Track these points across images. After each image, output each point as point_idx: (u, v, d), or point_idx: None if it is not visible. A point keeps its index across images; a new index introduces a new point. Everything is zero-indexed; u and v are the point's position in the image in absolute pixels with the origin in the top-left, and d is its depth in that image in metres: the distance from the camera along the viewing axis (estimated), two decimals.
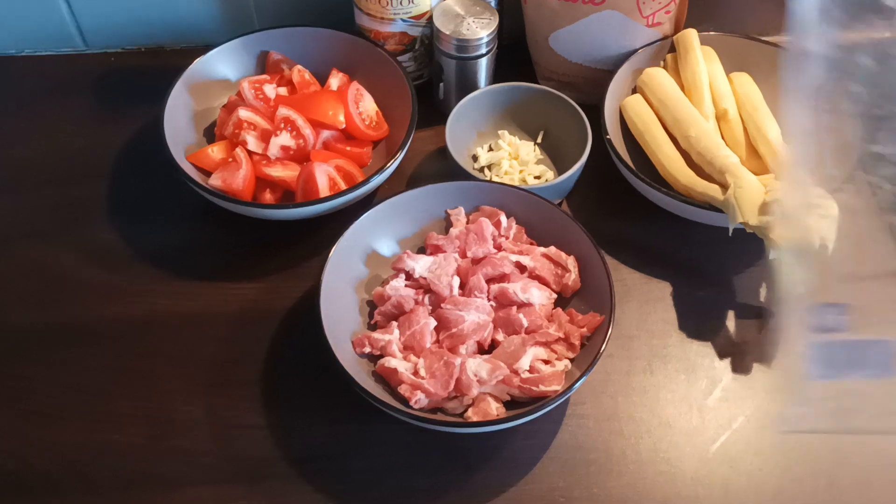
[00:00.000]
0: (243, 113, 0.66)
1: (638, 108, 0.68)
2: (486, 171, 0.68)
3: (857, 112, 0.43)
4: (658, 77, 0.68)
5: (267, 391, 0.57)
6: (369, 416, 0.55)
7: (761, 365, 0.59)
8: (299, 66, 0.70)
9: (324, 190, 0.63)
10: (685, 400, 0.58)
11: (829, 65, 0.40)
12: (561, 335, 0.56)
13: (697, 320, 0.62)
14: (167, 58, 0.79)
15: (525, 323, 0.56)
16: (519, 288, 0.57)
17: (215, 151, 0.66)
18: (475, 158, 0.69)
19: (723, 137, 0.65)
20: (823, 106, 0.41)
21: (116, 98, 0.76)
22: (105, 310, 0.61)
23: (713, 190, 0.60)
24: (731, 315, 0.62)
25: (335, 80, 0.70)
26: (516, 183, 0.66)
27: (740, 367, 0.59)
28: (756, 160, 0.64)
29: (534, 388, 0.53)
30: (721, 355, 0.60)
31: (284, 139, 0.66)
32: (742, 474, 0.54)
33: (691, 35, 0.69)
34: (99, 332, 0.60)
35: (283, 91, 0.69)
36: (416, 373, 0.55)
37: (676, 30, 0.71)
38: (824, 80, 0.40)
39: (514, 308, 0.57)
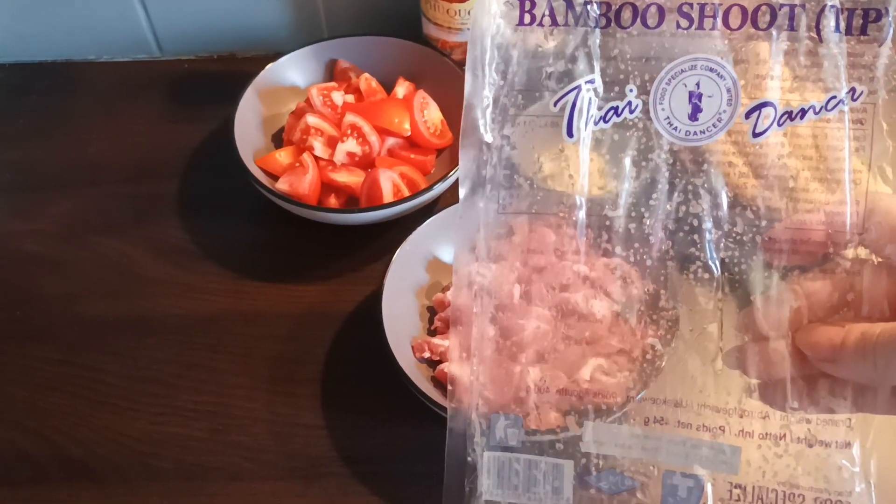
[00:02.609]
0: (311, 119, 0.67)
1: None
2: (548, 181, 0.68)
3: None
4: None
5: (326, 392, 0.58)
6: (427, 422, 0.55)
7: None
8: (367, 74, 0.72)
9: (388, 196, 0.63)
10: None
11: None
12: (623, 347, 0.55)
13: None
14: (238, 64, 0.81)
15: (586, 333, 0.56)
16: (581, 297, 0.57)
17: (283, 156, 0.67)
18: (540, 167, 0.69)
19: None
20: None
21: (189, 102, 0.78)
22: (172, 304, 0.63)
23: None
24: None
25: (401, 89, 0.71)
26: (579, 192, 0.66)
27: None
28: None
29: (595, 399, 0.53)
30: None
31: (350, 145, 0.67)
32: None
33: None
34: (166, 326, 0.62)
35: (350, 98, 0.70)
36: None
37: None
38: None
39: (576, 318, 0.57)
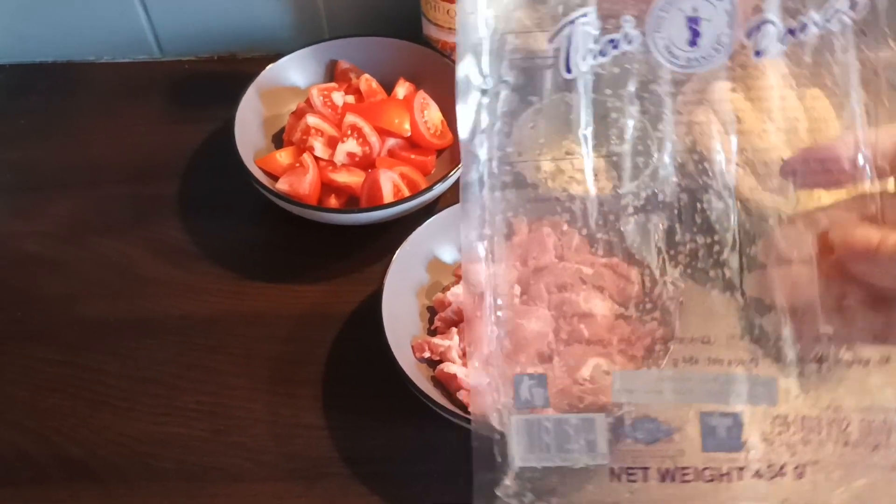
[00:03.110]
0: (311, 119, 0.67)
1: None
2: (548, 181, 0.68)
3: None
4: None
5: (327, 392, 0.58)
6: (427, 422, 0.55)
7: None
8: (367, 75, 0.72)
9: (388, 196, 0.63)
10: None
11: None
12: (623, 347, 0.55)
13: None
14: (239, 65, 0.81)
15: (586, 333, 0.56)
16: (581, 298, 0.57)
17: (283, 156, 0.67)
18: (538, 168, 0.69)
19: None
20: None
21: (189, 102, 0.78)
22: (173, 305, 0.63)
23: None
24: None
25: (402, 89, 0.71)
26: (580, 192, 0.66)
27: None
28: None
29: (594, 398, 0.53)
30: None
31: (351, 146, 0.67)
32: None
33: None
34: (166, 327, 0.62)
35: (350, 99, 0.70)
36: None
37: None
38: None
39: (576, 318, 0.57)
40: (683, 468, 0.37)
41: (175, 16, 0.79)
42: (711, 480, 0.37)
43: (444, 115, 0.70)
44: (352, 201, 0.67)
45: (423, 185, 0.66)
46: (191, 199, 0.70)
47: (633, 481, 0.38)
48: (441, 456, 0.55)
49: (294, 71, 0.72)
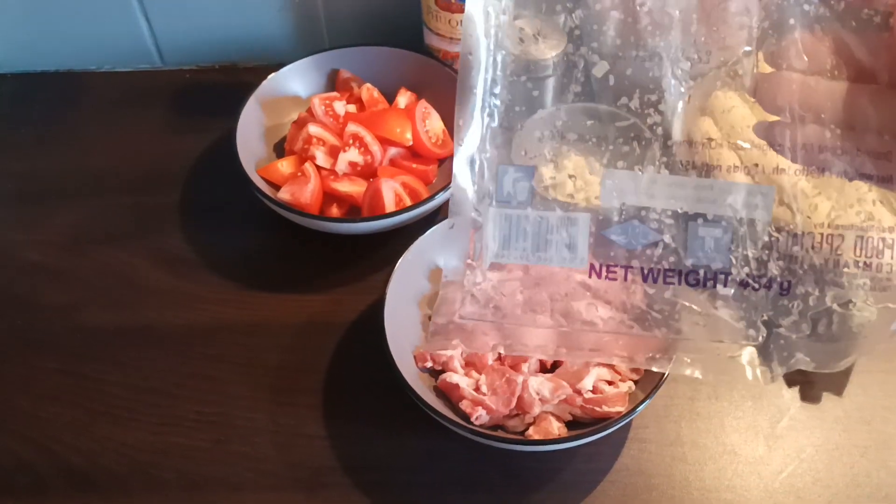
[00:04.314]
0: (313, 129, 0.68)
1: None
2: (549, 190, 0.68)
3: None
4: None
5: (329, 402, 0.58)
6: (429, 431, 0.55)
7: (831, 395, 0.58)
8: (368, 84, 0.72)
9: (389, 206, 0.64)
10: (751, 427, 0.56)
11: None
12: (626, 356, 0.55)
13: (765, 347, 0.60)
14: (239, 75, 0.81)
15: (589, 343, 0.56)
16: (583, 307, 0.57)
17: (285, 166, 0.68)
18: (540, 179, 0.69)
19: None
20: None
21: (190, 112, 0.78)
22: (174, 315, 0.63)
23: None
24: None
25: (403, 99, 0.71)
26: (581, 203, 0.66)
27: (809, 397, 0.58)
28: None
29: (597, 409, 0.53)
30: (790, 383, 0.58)
31: (352, 155, 0.67)
32: None
33: None
34: (168, 337, 0.62)
35: (352, 108, 0.71)
36: (477, 389, 0.55)
37: None
38: None
39: (578, 326, 0.57)
40: (668, 270, 0.36)
41: (176, 25, 0.80)
42: (696, 285, 0.36)
43: (445, 125, 0.70)
44: (353, 211, 0.67)
45: (425, 195, 0.66)
46: (192, 209, 0.70)
47: (613, 279, 0.37)
48: (442, 465, 0.55)
49: (295, 80, 0.73)
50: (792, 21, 0.32)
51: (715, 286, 0.36)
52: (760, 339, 0.37)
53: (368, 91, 0.71)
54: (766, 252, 0.34)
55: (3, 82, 0.82)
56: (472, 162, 0.37)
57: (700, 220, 0.35)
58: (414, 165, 0.68)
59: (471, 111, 0.37)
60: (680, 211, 0.35)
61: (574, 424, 0.54)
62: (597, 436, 0.51)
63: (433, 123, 0.70)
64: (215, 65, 0.82)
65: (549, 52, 0.68)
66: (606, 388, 0.54)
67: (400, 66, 0.72)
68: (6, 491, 0.55)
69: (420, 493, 0.54)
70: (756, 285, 0.35)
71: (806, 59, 0.32)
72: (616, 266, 0.36)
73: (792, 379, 0.58)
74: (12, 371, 0.60)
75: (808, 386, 0.58)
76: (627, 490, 0.54)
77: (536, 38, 0.70)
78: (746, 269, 0.35)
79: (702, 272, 0.35)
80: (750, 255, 0.34)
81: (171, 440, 0.56)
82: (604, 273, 0.37)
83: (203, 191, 0.71)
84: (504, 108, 0.40)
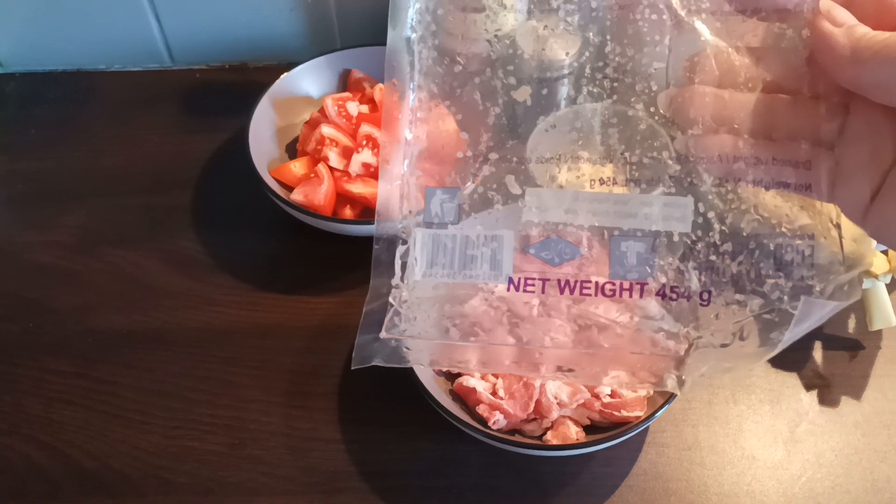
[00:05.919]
0: (326, 130, 0.67)
1: None
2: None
3: None
4: None
5: (343, 405, 0.58)
6: (445, 435, 0.55)
7: (850, 398, 0.57)
8: (381, 85, 0.71)
9: None
10: (769, 432, 0.56)
11: None
12: (644, 360, 0.55)
13: (783, 350, 0.60)
14: (250, 74, 0.81)
15: (606, 346, 0.55)
16: (600, 310, 0.57)
17: (297, 167, 0.67)
18: (553, 179, 0.69)
19: None
20: None
21: (201, 112, 0.78)
22: (187, 317, 0.63)
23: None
24: (817, 346, 0.60)
25: None
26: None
27: (828, 400, 0.57)
28: None
29: (615, 413, 0.52)
30: (808, 387, 0.58)
31: (366, 156, 0.66)
32: None
33: None
34: (181, 339, 0.61)
35: (364, 109, 0.70)
36: (494, 393, 0.54)
37: None
38: None
39: (595, 330, 0.57)
40: (585, 282, 0.37)
41: (186, 24, 0.79)
42: (612, 295, 0.37)
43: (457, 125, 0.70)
44: (367, 212, 0.66)
45: None
46: (204, 210, 0.70)
47: (531, 291, 0.37)
48: (459, 470, 0.55)
49: (307, 80, 0.72)
50: (703, 38, 0.33)
51: (632, 296, 0.36)
52: (682, 351, 0.37)
53: (381, 91, 0.71)
54: (685, 263, 0.34)
55: (13, 82, 0.82)
56: (398, 182, 0.38)
57: (617, 233, 0.35)
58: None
59: (396, 134, 0.38)
60: (598, 225, 0.36)
61: (592, 429, 0.54)
62: (616, 440, 0.50)
63: (447, 124, 0.69)
64: (226, 64, 0.82)
65: (562, 53, 0.67)
66: (625, 392, 0.54)
67: None
68: (18, 495, 0.54)
69: (437, 498, 0.54)
70: (674, 296, 0.35)
71: (717, 73, 0.32)
72: (533, 279, 0.37)
73: (810, 382, 0.58)
74: (24, 374, 0.60)
75: (826, 390, 0.58)
76: (645, 495, 0.53)
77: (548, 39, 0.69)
78: (664, 280, 0.35)
79: (618, 283, 0.36)
80: (667, 265, 0.35)
81: (185, 444, 0.56)
82: (521, 286, 0.37)
83: (215, 192, 0.71)
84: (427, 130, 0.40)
